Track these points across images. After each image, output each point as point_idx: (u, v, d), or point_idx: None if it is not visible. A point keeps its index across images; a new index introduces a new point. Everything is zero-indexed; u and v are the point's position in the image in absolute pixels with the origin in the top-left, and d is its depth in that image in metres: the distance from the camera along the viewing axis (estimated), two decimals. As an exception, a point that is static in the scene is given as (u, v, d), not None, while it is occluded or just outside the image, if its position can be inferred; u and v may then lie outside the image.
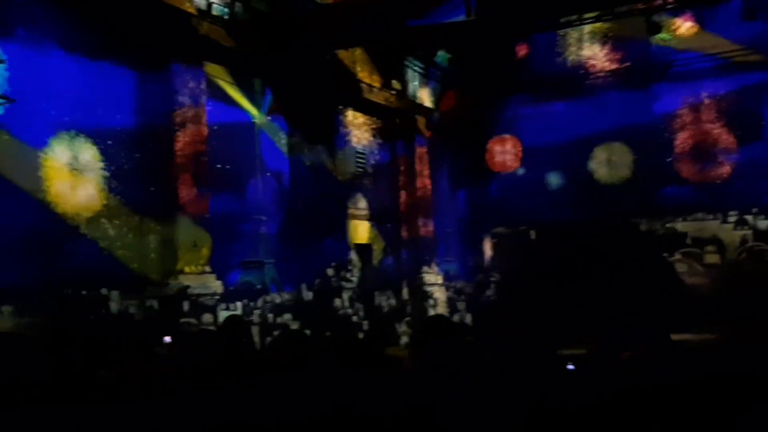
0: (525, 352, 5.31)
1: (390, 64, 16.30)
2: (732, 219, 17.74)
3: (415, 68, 17.39)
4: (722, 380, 4.55)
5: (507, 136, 19.77)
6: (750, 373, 4.57)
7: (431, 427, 3.90)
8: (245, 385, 4.47)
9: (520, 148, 19.75)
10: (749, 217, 17.60)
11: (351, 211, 15.34)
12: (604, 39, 18.62)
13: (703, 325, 12.57)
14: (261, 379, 4.89)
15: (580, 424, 4.04)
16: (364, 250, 15.75)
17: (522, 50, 19.14)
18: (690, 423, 4.20)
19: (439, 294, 16.99)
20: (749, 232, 17.59)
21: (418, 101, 17.43)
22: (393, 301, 15.85)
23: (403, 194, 16.72)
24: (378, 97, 15.87)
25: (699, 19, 17.63)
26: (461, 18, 13.82)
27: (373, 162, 16.17)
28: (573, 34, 18.74)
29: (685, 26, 17.81)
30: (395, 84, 16.50)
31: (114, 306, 10.44)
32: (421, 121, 17.23)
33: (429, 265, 16.87)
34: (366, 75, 15.56)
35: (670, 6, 16.23)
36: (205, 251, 11.61)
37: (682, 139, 18.50)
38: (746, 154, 17.91)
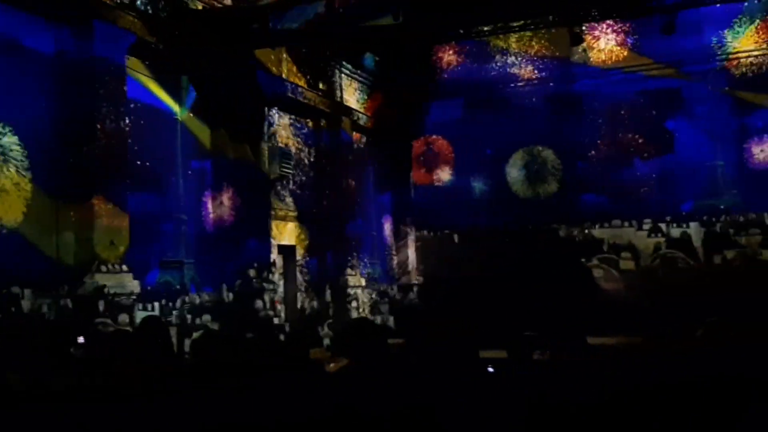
0: (448, 355, 5.41)
1: (317, 65, 16.31)
2: (647, 227, 18.42)
3: (343, 70, 17.43)
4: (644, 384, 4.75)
5: (433, 138, 20.03)
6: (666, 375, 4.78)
7: (357, 429, 3.94)
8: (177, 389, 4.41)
9: (447, 152, 20.01)
10: (663, 225, 18.30)
11: (275, 211, 15.24)
12: (529, 49, 19.06)
13: (618, 329, 12.99)
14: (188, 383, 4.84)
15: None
16: (287, 250, 15.69)
17: (451, 56, 19.43)
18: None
19: (363, 296, 17.07)
20: (663, 239, 18.29)
21: (344, 102, 17.48)
22: (316, 303, 15.83)
23: (328, 195, 16.70)
24: (304, 97, 15.84)
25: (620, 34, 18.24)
26: (388, 21, 13.91)
27: (298, 162, 16.12)
28: (499, 42, 19.12)
29: (603, 42, 18.39)
30: (322, 85, 16.51)
31: (26, 305, 10.11)
32: (347, 123, 17.28)
33: (353, 267, 16.92)
34: (292, 75, 15.52)
35: (593, 18, 16.77)
36: (122, 249, 11.36)
37: (600, 149, 19.09)
38: (661, 165, 18.62)
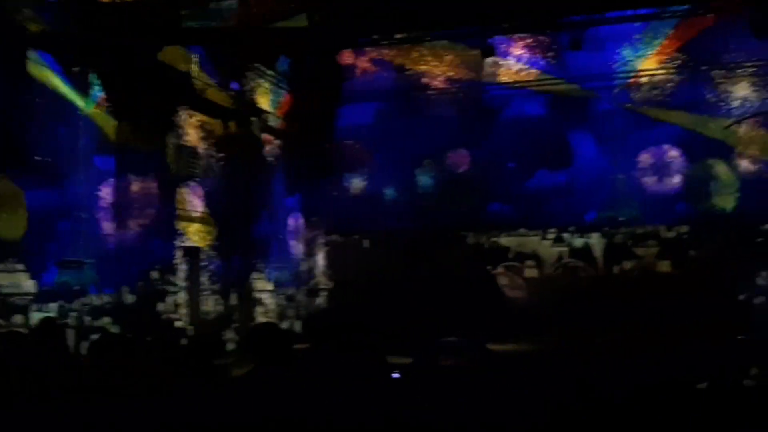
0: (354, 360, 5.43)
1: (228, 65, 16.07)
2: (551, 236, 18.97)
3: (256, 71, 17.23)
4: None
5: (345, 142, 20.04)
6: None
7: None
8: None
9: (359, 157, 20.06)
10: (566, 235, 18.89)
11: (181, 211, 14.93)
12: (444, 59, 19.33)
13: (521, 335, 13.33)
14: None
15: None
16: (192, 252, 15.38)
17: (365, 62, 19.50)
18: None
19: (270, 300, 16.90)
20: (566, 248, 18.88)
21: (256, 103, 17.28)
22: (221, 307, 15.58)
23: (236, 197, 16.46)
24: (215, 96, 15.57)
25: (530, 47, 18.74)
26: (302, 21, 13.90)
27: (206, 162, 15.83)
28: (415, 51, 19.30)
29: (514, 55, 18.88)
30: (232, 85, 16.26)
31: None
32: (258, 124, 17.08)
33: (260, 271, 16.74)
34: (203, 74, 15.25)
35: (504, 32, 17.21)
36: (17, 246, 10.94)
37: (509, 160, 19.52)
38: (566, 177, 19.19)
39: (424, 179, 19.92)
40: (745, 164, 17.95)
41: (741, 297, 16.76)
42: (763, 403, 4.64)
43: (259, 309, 16.33)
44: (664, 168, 18.58)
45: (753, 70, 17.76)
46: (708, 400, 5.23)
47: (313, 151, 19.46)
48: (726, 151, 18.10)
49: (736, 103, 18.01)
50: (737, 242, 17.35)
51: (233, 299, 15.87)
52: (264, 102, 17.77)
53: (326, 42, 15.98)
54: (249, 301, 16.16)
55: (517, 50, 18.79)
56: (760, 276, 16.92)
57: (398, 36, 17.73)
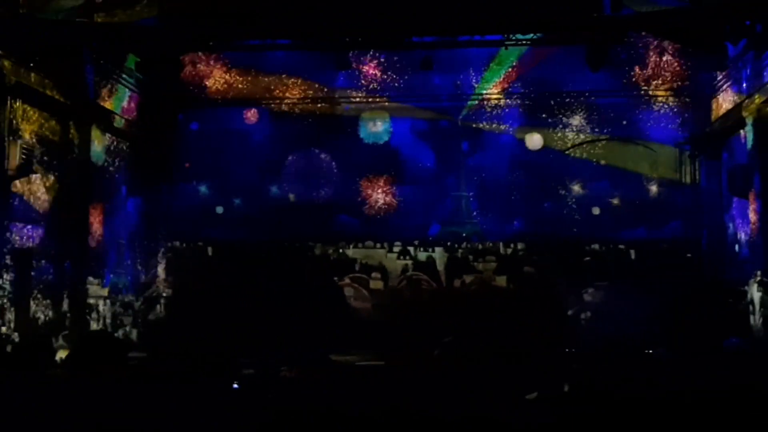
0: (192, 370, 5.32)
1: (70, 60, 15.27)
2: (397, 249, 19.41)
3: (101, 69, 16.47)
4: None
5: (192, 148, 19.56)
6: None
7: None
8: None
9: (204, 163, 19.63)
10: (411, 249, 19.40)
11: (12, 212, 14.01)
12: (298, 69, 19.31)
13: (364, 346, 13.50)
14: None
15: None
16: (22, 255, 14.45)
17: (217, 66, 19.16)
18: None
19: (105, 307, 16.19)
20: (410, 262, 19.37)
21: (99, 103, 16.52)
22: (51, 313, 14.75)
23: (74, 198, 15.65)
24: (53, 93, 14.75)
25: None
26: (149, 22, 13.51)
27: (42, 162, 14.93)
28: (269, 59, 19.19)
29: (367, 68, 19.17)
30: (73, 82, 15.44)
31: None
32: (100, 124, 16.34)
33: (96, 276, 15.99)
34: (42, 67, 14.41)
35: (357, 47, 17.46)
36: None
37: (358, 172, 19.76)
38: (412, 192, 19.67)
39: (273, 188, 19.77)
40: (576, 188, 19.14)
41: (569, 312, 17.87)
42: (585, 409, 4.96)
43: (92, 316, 15.61)
44: (501, 188, 19.46)
45: (588, 99, 18.99)
46: (537, 409, 5.52)
47: (157, 155, 18.89)
48: (561, 176, 19.22)
49: (571, 131, 19.19)
50: (567, 260, 18.50)
51: (65, 305, 15.07)
52: (109, 102, 17.06)
53: (175, 42, 15.56)
54: (82, 307, 15.39)
55: (371, 67, 19.11)
56: (587, 292, 18.11)
57: (253, 42, 17.56)
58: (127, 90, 17.77)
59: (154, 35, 14.13)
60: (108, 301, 16.39)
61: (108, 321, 16.26)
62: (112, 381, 4.29)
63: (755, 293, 15.26)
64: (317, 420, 4.97)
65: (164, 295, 18.41)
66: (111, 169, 17.20)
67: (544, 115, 19.17)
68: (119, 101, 17.55)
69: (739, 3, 13.01)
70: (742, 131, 16.39)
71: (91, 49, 15.51)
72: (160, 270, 18.84)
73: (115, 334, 15.83)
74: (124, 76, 17.50)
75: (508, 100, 19.30)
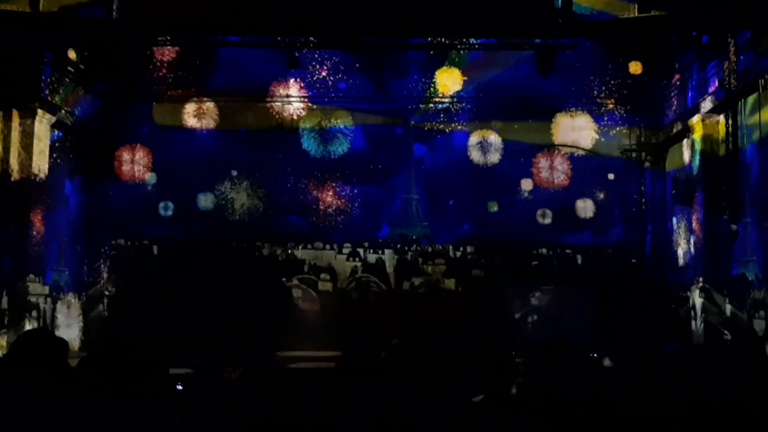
0: (136, 370, 5.19)
1: (10, 52, 14.82)
2: (346, 250, 19.35)
3: (44, 60, 16.03)
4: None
5: (138, 145, 19.18)
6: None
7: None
8: None
9: (150, 160, 19.26)
10: (361, 251, 19.35)
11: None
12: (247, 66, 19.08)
13: (312, 347, 13.44)
14: None
15: None
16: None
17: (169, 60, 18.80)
18: None
19: (45, 306, 15.78)
20: (360, 264, 19.33)
21: (41, 94, 16.06)
22: (-13, 312, 14.33)
23: (12, 194, 15.20)
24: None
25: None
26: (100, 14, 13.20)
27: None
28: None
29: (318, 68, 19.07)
30: (13, 72, 14.99)
31: None
32: (42, 117, 15.87)
33: (36, 274, 15.58)
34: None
35: (311, 46, 17.36)
36: None
37: (307, 173, 19.64)
38: (363, 193, 19.63)
39: (221, 187, 19.51)
40: (525, 193, 19.34)
41: (516, 315, 18.04)
42: (528, 413, 4.97)
43: (33, 314, 15.20)
44: (450, 191, 19.57)
45: (539, 104, 19.17)
46: (484, 412, 5.53)
47: (103, 150, 18.51)
48: (510, 180, 19.40)
49: (521, 136, 19.37)
50: (515, 264, 18.69)
51: (4, 303, 14.65)
52: (53, 94, 16.62)
53: (124, 36, 15.23)
54: (22, 305, 14.98)
55: (322, 68, 18.98)
56: (534, 296, 18.32)
57: (204, 36, 17.28)
58: (71, 83, 17.33)
59: (101, 29, 13.79)
60: (49, 299, 16.00)
61: (48, 319, 15.86)
62: (48, 380, 4.15)
63: (697, 299, 15.64)
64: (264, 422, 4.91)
65: (107, 293, 18.06)
66: (54, 164, 16.76)
67: (494, 120, 19.33)
68: (63, 95, 17.13)
69: (686, 15, 13.30)
70: (686, 140, 16.78)
71: (37, 44, 15.09)
72: (104, 268, 18.47)
73: (56, 333, 15.46)
74: (68, 68, 17.07)
75: (459, 104, 19.38)
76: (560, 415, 4.54)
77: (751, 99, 13.95)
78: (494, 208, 19.29)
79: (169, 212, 19.21)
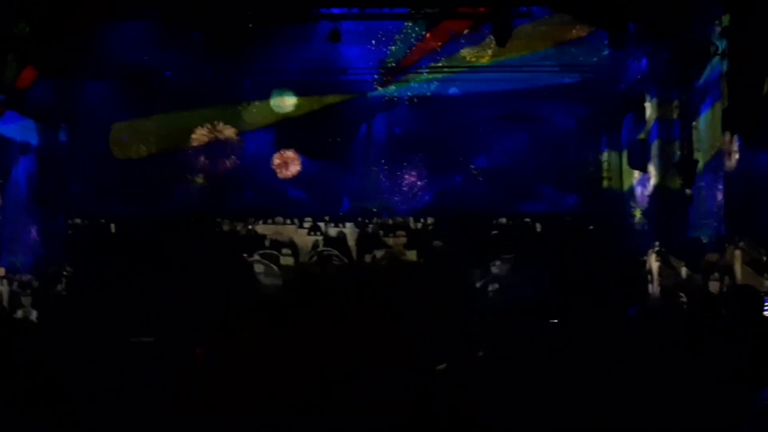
0: (95, 342, 5.15)
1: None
2: (307, 225, 19.26)
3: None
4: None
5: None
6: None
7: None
8: None
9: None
10: (322, 225, 19.27)
11: None
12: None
13: (270, 322, 13.37)
14: None
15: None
16: None
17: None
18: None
19: (2, 288, 15.46)
20: (321, 237, 19.26)
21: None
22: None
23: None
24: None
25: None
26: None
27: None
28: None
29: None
30: None
31: None
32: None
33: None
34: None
35: (262, 21, 17.06)
36: None
37: (267, 147, 19.48)
38: (322, 167, 19.52)
39: (174, 163, 19.23)
40: (483, 163, 19.43)
41: (477, 284, 18.17)
42: (493, 376, 5.03)
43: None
44: (410, 163, 19.57)
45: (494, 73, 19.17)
46: (447, 379, 5.57)
47: (56, 129, 18.09)
48: (469, 151, 19.46)
49: (480, 105, 19.38)
50: (475, 234, 18.80)
51: (-42, 286, 14.35)
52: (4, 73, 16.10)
53: (68, 13, 14.81)
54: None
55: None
56: (494, 265, 18.45)
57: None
58: (15, 59, 16.78)
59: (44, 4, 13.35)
60: (5, 280, 15.67)
61: (6, 301, 15.54)
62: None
63: (653, 263, 15.87)
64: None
65: (65, 273, 17.75)
66: (7, 143, 16.34)
67: (453, 90, 19.31)
68: (11, 72, 16.61)
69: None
70: (641, 108, 16.94)
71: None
72: (60, 248, 18.14)
73: (14, 315, 15.18)
74: (14, 43, 16.53)
75: (417, 74, 19.30)
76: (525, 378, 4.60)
77: (702, 68, 14.09)
78: (455, 180, 19.41)
79: (127, 190, 18.93)
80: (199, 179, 19.23)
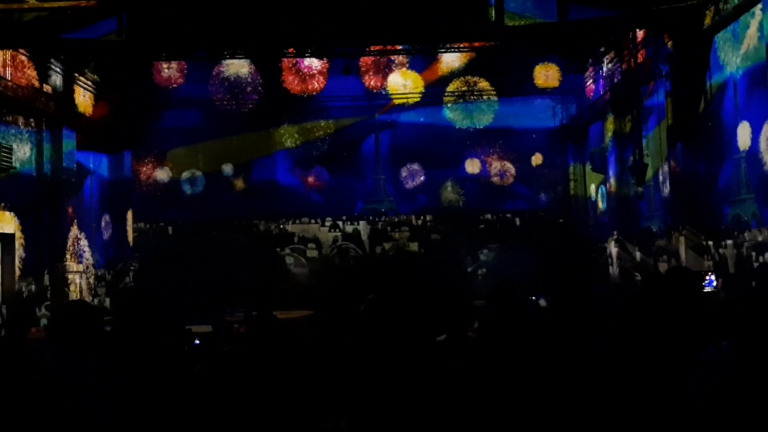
0: (159, 331, 5.15)
1: (41, 67, 14.40)
2: (328, 224, 19.36)
3: (69, 74, 15.57)
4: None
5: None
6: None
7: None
8: None
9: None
10: (340, 223, 19.37)
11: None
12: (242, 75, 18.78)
13: (302, 305, 13.44)
14: None
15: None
16: (6, 239, 13.74)
17: (175, 72, 18.41)
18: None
19: (81, 281, 15.59)
20: (339, 234, 19.35)
21: (69, 105, 15.60)
22: (33, 287, 14.11)
23: (49, 192, 14.86)
24: (15, 93, 13.70)
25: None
26: (112, 36, 12.84)
27: (18, 157, 14.12)
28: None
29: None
30: (46, 87, 14.62)
31: None
32: (71, 124, 15.46)
33: (73, 255, 15.36)
34: (14, 73, 13.56)
35: (289, 55, 17.08)
36: None
37: (296, 162, 19.50)
38: (341, 177, 19.51)
39: (223, 176, 19.33)
40: (472, 169, 19.42)
41: (469, 269, 18.22)
42: (488, 352, 5.04)
43: (71, 288, 15.01)
44: (412, 172, 19.61)
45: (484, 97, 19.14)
46: (446, 350, 5.58)
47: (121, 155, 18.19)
48: (459, 158, 19.44)
49: (471, 123, 19.34)
50: (466, 228, 18.84)
51: (46, 280, 14.44)
52: (80, 104, 16.18)
53: (134, 55, 14.86)
54: (61, 281, 14.78)
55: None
56: (482, 253, 18.49)
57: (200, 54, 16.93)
58: (92, 94, 16.91)
59: (116, 49, 13.42)
60: (84, 275, 15.80)
61: (85, 292, 15.67)
62: (86, 343, 4.09)
63: (613, 249, 15.89)
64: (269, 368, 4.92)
65: (132, 268, 17.88)
66: (81, 165, 16.38)
67: (444, 112, 19.30)
68: (88, 103, 16.72)
69: (597, 23, 13.39)
70: (601, 121, 16.93)
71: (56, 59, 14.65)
72: (127, 247, 18.27)
73: (91, 303, 15.29)
74: (90, 81, 16.66)
75: (417, 99, 19.26)
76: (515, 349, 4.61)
77: (650, 86, 14.08)
78: (448, 184, 19.44)
79: (182, 199, 19.04)
80: (240, 190, 19.27)
